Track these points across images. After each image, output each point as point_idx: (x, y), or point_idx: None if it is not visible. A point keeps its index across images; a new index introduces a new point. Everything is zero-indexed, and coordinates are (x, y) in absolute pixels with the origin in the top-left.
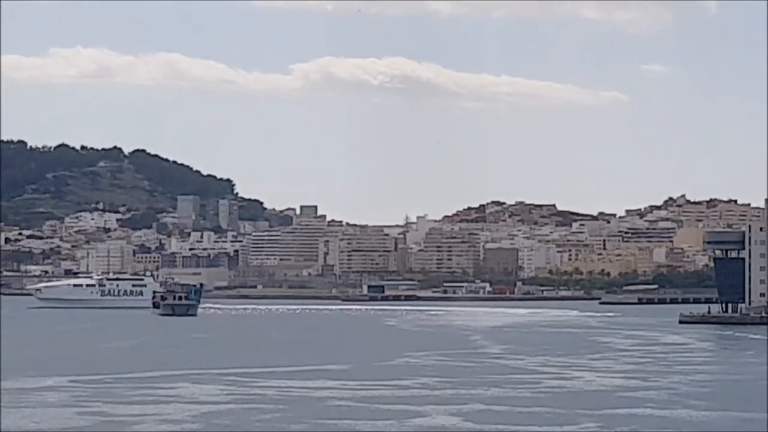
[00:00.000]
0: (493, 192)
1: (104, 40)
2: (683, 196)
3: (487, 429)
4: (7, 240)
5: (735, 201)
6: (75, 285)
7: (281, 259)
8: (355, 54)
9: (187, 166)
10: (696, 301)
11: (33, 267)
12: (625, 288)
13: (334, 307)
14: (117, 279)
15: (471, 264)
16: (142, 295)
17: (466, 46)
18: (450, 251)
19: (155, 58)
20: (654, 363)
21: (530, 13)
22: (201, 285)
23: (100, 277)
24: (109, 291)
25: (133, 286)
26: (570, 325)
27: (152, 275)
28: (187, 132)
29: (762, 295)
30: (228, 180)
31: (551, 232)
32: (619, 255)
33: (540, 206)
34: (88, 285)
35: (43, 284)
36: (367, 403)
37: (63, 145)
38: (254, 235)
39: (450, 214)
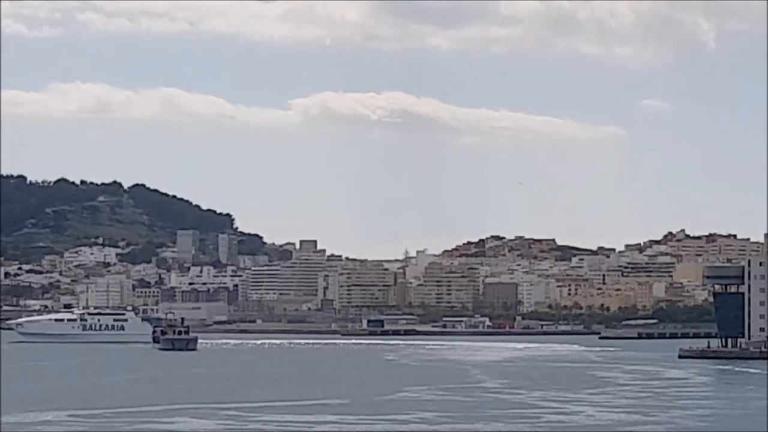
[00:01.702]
0: (492, 227)
1: (103, 75)
2: (683, 230)
3: None
4: (6, 274)
5: (734, 236)
6: (56, 320)
7: (281, 294)
8: (354, 89)
9: (187, 201)
10: (695, 336)
11: (32, 301)
12: (624, 323)
13: (333, 341)
14: (98, 314)
15: (470, 298)
16: (123, 329)
17: (465, 81)
18: (449, 286)
19: (154, 93)
20: (654, 398)
21: (529, 49)
22: (182, 319)
23: (81, 312)
24: (91, 326)
25: (114, 320)
26: (569, 360)
27: (134, 310)
28: (186, 167)
29: (762, 329)
30: (227, 214)
31: (551, 267)
32: (618, 290)
33: (539, 241)
34: (69, 320)
35: (24, 319)
36: None
37: (62, 180)
38: (254, 270)
39: (449, 248)
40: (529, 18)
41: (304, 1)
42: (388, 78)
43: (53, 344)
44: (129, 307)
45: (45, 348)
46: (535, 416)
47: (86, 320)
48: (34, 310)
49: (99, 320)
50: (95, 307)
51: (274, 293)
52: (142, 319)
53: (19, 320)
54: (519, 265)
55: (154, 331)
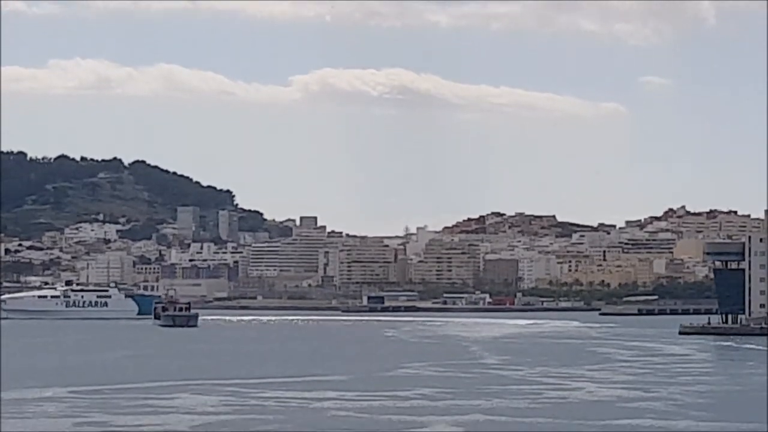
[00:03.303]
0: (493, 203)
1: (103, 52)
2: (683, 207)
3: None
4: (7, 251)
5: (735, 212)
6: (40, 296)
7: (281, 270)
8: (354, 65)
9: (187, 177)
10: (696, 312)
11: (33, 278)
12: (625, 299)
13: (333, 317)
14: (81, 290)
15: (471, 275)
16: (107, 306)
17: (466, 58)
18: (450, 262)
19: (154, 69)
20: (654, 374)
21: (530, 25)
22: (165, 296)
23: (64, 288)
24: (74, 302)
25: (98, 297)
26: (570, 336)
27: (116, 286)
28: (186, 143)
29: (762, 305)
30: (228, 191)
31: (551, 243)
32: (619, 266)
33: (540, 217)
34: (52, 296)
35: (7, 296)
36: (367, 414)
37: (63, 156)
38: (254, 246)
39: (450, 225)
40: None
41: None
42: (389, 54)
43: (37, 321)
44: (112, 284)
45: (35, 325)
46: (535, 392)
47: (69, 297)
48: (35, 287)
49: (82, 297)
50: (78, 284)
51: (274, 270)
52: (126, 296)
53: (2, 297)
54: (519, 241)
55: (155, 308)
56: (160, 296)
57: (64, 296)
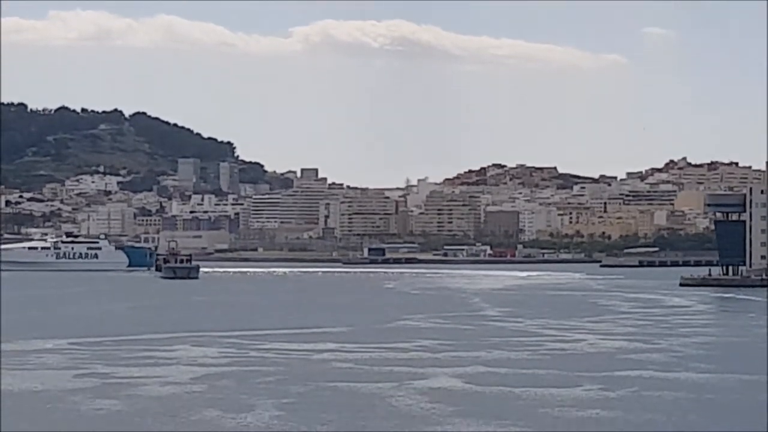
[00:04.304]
0: (493, 155)
1: (103, 3)
2: (684, 158)
3: (488, 391)
4: (7, 203)
5: (736, 164)
6: (30, 248)
7: (282, 222)
8: (354, 16)
9: (188, 129)
10: (697, 264)
11: (34, 230)
12: (625, 251)
13: (334, 269)
14: (72, 242)
15: (472, 227)
16: (97, 258)
17: (466, 9)
18: (451, 214)
19: (154, 20)
20: (655, 325)
21: None
22: (155, 248)
23: (55, 239)
24: (65, 254)
25: (88, 248)
26: (570, 288)
27: (106, 237)
28: (187, 95)
29: (763, 257)
30: (228, 143)
31: (552, 195)
32: (619, 218)
33: (541, 169)
34: (43, 248)
35: None
36: (367, 365)
37: (63, 108)
38: (255, 198)
39: (451, 177)
40: None
41: None
42: (389, 6)
43: (27, 272)
44: (102, 236)
45: (27, 276)
46: (536, 344)
47: (60, 248)
48: (43, 239)
49: (73, 248)
50: (67, 234)
51: (275, 221)
52: (116, 248)
53: None
54: (520, 193)
55: (156, 259)
56: (150, 248)
57: (55, 248)
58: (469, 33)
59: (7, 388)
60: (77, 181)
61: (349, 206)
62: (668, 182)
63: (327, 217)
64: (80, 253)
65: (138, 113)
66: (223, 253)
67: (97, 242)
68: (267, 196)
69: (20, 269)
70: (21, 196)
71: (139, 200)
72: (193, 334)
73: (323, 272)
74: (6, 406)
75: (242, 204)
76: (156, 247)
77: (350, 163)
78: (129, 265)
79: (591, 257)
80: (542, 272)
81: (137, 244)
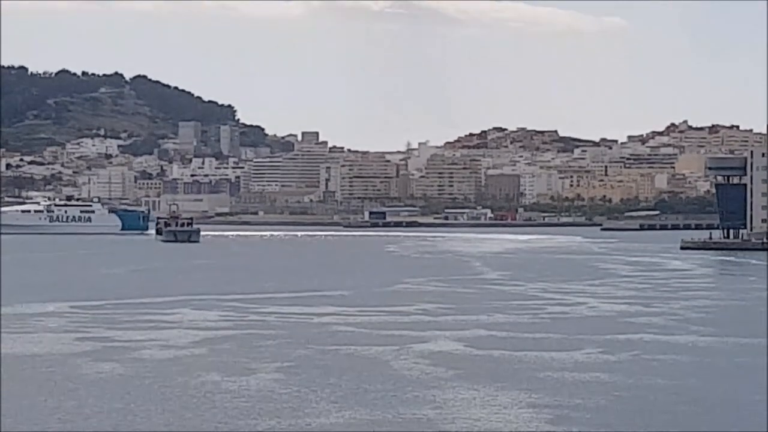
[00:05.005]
0: (494, 118)
1: None
2: (685, 121)
3: (489, 354)
4: (8, 166)
5: (737, 127)
6: (23, 211)
7: (282, 186)
8: None
9: (189, 92)
10: (697, 227)
11: (34, 193)
12: (626, 214)
13: (335, 233)
14: (65, 205)
15: (472, 190)
16: (90, 221)
17: None
18: (451, 177)
19: None
20: (655, 289)
21: None
22: (148, 211)
23: (48, 203)
24: (58, 217)
25: (81, 212)
26: (571, 252)
27: (99, 200)
28: (188, 58)
29: (764, 220)
30: (229, 106)
31: (553, 159)
32: (620, 181)
33: (542, 132)
34: (36, 211)
35: None
36: (368, 329)
37: (64, 71)
38: (255, 162)
39: (452, 140)
40: None
41: None
42: None
43: (21, 236)
44: (95, 199)
45: (24, 240)
46: (536, 307)
47: (53, 211)
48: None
49: (66, 211)
50: (68, 197)
51: (276, 185)
52: (109, 211)
53: None
54: (521, 156)
55: (157, 223)
56: (143, 211)
57: (48, 211)
58: None
59: (8, 351)
60: (78, 144)
61: (350, 170)
62: (669, 145)
63: (328, 180)
64: (73, 217)
65: (139, 76)
66: (224, 216)
67: (90, 205)
68: (268, 160)
69: (13, 232)
70: (21, 160)
71: (140, 164)
72: (193, 298)
73: (324, 236)
74: (6, 369)
75: (243, 167)
76: (149, 211)
77: (351, 127)
78: (122, 229)
79: (592, 221)
80: (543, 236)
81: (130, 208)
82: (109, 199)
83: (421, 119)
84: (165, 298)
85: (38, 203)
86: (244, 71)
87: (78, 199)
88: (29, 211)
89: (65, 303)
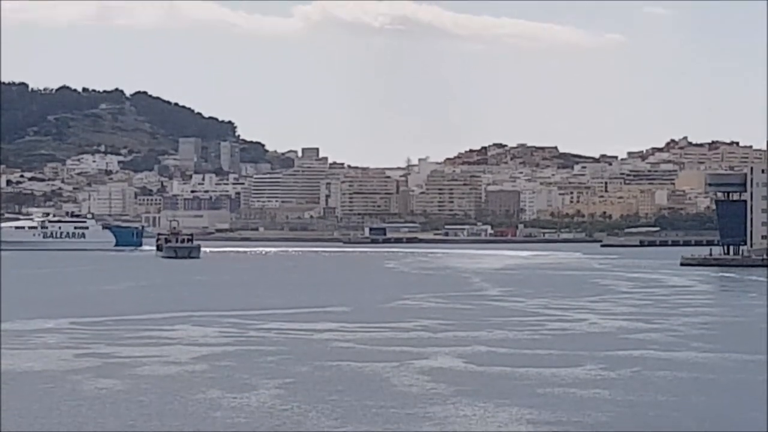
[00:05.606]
0: (494, 134)
1: None
2: (685, 138)
3: (489, 371)
4: (8, 182)
5: (737, 143)
6: (17, 227)
7: (283, 202)
8: None
9: (189, 108)
10: (697, 244)
11: (34, 209)
12: (626, 230)
13: (335, 249)
14: (59, 221)
15: (472, 206)
16: (84, 237)
17: None
18: (451, 194)
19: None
20: (655, 305)
21: None
22: (142, 227)
23: (42, 219)
24: (51, 233)
25: (75, 228)
26: (571, 268)
27: (93, 217)
28: (188, 74)
29: (764, 237)
30: (229, 122)
31: (553, 175)
32: (620, 197)
33: (542, 148)
34: (30, 227)
35: None
36: (368, 345)
37: (64, 87)
38: (256, 178)
39: (452, 156)
40: None
41: None
42: None
43: (14, 252)
44: (89, 215)
45: (19, 256)
46: (537, 324)
47: (47, 228)
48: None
49: (60, 228)
50: (68, 214)
51: (276, 201)
52: (103, 227)
53: None
54: (521, 172)
55: (158, 239)
56: (137, 228)
57: (42, 227)
58: (470, 12)
59: (8, 367)
60: (78, 160)
61: (350, 186)
62: (669, 162)
63: (328, 196)
64: (67, 233)
65: (139, 92)
66: (224, 232)
67: (84, 222)
68: (268, 176)
69: (7, 249)
70: (22, 176)
71: (140, 180)
72: (194, 314)
73: (324, 252)
74: (7, 386)
75: (243, 183)
76: (143, 227)
77: (351, 143)
78: (116, 245)
79: (592, 237)
80: (543, 252)
81: (124, 224)
82: (109, 215)
83: (421, 135)
84: (165, 314)
85: (32, 219)
86: (244, 87)
87: (74, 215)
88: (23, 228)
89: (65, 319)
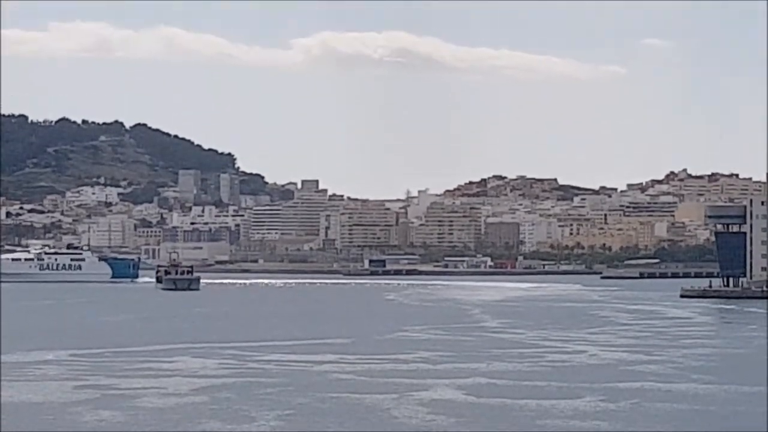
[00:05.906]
0: (494, 166)
1: (103, 14)
2: (684, 170)
3: (488, 403)
4: (8, 214)
5: (736, 175)
6: (14, 259)
7: (282, 234)
8: (354, 28)
9: (188, 141)
10: (697, 276)
11: (34, 241)
12: (626, 262)
13: (335, 281)
14: (55, 253)
15: (472, 238)
16: (80, 269)
17: (466, 20)
18: (451, 225)
19: (155, 32)
20: (655, 337)
21: None
22: (139, 259)
23: (38, 251)
24: (48, 265)
25: (72, 260)
26: (571, 300)
27: (89, 249)
28: (187, 106)
29: (763, 269)
30: (229, 154)
31: (552, 207)
32: (620, 229)
33: (541, 180)
34: (26, 259)
35: None
36: (368, 377)
37: (64, 119)
38: (255, 210)
39: (451, 188)
40: None
41: None
42: (389, 17)
43: (10, 284)
44: (85, 247)
45: (15, 288)
46: (537, 355)
47: (43, 260)
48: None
49: (56, 260)
50: (51, 247)
51: (275, 233)
52: (99, 259)
53: None
54: (521, 204)
55: (157, 271)
56: (134, 260)
57: (38, 259)
58: (469, 44)
59: (8, 399)
60: (78, 192)
61: (350, 218)
62: (668, 194)
63: (327, 228)
64: (63, 265)
65: (138, 125)
66: (224, 264)
67: (80, 253)
68: (267, 208)
69: (3, 281)
70: (21, 208)
71: (140, 212)
72: (193, 346)
73: (324, 284)
74: (7, 417)
75: (243, 215)
76: (139, 259)
77: (351, 175)
78: (113, 277)
79: (591, 269)
80: (543, 284)
81: (120, 256)
82: (109, 247)
83: (420, 167)
84: (165, 345)
85: (29, 251)
86: (243, 119)
87: (74, 247)
88: (20, 259)
89: (65, 351)
